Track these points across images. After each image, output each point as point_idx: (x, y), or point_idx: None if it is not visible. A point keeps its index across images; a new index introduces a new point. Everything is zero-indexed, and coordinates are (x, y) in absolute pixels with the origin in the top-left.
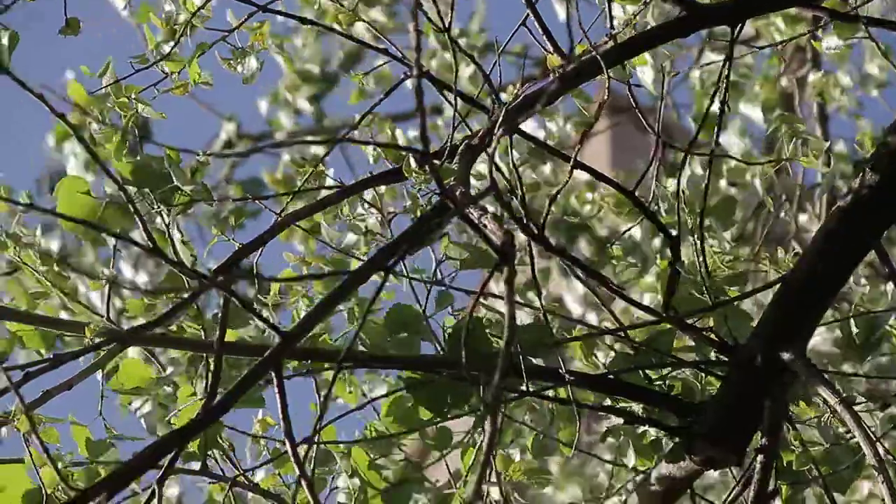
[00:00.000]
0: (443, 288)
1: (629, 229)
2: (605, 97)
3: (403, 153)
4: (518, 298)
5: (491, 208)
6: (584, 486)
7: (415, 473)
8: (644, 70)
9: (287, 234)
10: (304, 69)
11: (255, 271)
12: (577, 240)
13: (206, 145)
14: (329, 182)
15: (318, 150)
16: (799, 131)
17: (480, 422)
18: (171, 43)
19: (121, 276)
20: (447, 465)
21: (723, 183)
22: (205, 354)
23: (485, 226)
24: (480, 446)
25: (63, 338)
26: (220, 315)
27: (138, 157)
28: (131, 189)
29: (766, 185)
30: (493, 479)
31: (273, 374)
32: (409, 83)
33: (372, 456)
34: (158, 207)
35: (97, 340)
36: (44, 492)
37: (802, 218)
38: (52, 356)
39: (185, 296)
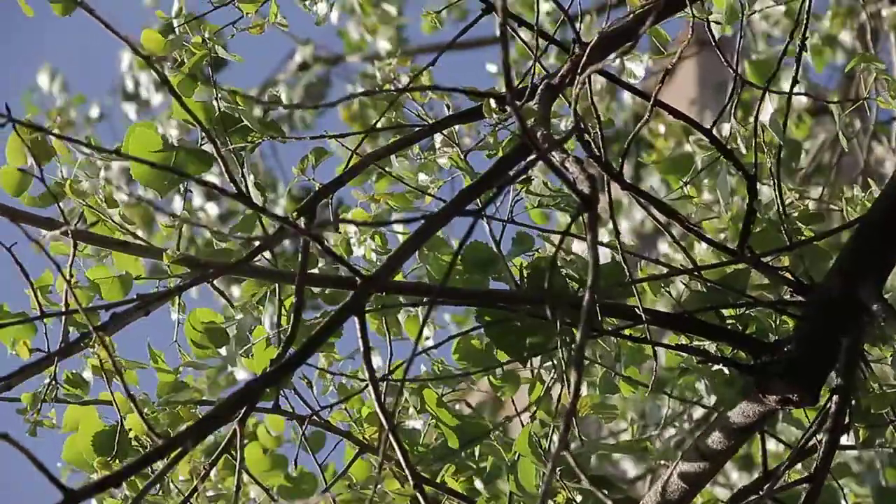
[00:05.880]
0: (515, 225)
1: (705, 167)
2: (690, 34)
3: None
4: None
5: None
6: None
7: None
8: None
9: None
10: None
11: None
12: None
13: (279, 67)
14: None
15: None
16: (878, 70)
17: (560, 366)
18: None
19: (194, 208)
20: (512, 399)
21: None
22: (276, 292)
23: (567, 169)
24: (548, 384)
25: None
26: (300, 253)
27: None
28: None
29: (842, 122)
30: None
31: (356, 320)
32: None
33: (441, 393)
34: (231, 148)
35: (179, 281)
36: (117, 434)
37: (878, 151)
38: (136, 296)
39: (265, 238)
